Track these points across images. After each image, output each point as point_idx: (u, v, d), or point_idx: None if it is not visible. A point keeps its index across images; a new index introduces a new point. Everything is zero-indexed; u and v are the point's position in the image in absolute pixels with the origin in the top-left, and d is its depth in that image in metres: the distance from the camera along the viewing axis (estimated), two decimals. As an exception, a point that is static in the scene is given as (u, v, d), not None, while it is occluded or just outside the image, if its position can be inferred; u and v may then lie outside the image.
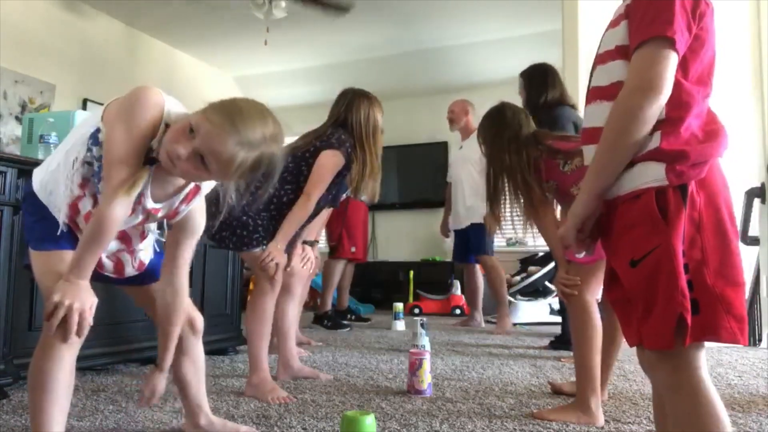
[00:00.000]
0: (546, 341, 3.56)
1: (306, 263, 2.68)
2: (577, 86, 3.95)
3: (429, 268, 6.36)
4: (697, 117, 1.01)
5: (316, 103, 5.32)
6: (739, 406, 2.01)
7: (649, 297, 0.97)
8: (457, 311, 5.54)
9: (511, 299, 4.89)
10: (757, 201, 3.24)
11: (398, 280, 6.22)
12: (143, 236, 1.48)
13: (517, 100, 3.22)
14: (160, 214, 1.38)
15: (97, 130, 1.28)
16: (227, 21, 5.76)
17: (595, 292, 1.90)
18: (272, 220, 2.22)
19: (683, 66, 1.00)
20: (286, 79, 7.17)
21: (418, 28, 5.93)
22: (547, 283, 4.96)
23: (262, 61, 6.83)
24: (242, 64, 6.99)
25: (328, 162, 2.26)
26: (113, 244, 1.41)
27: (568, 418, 1.80)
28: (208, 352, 2.65)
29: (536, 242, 5.41)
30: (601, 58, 1.12)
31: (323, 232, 4.26)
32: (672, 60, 0.97)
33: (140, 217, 1.35)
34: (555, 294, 4.60)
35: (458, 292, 5.67)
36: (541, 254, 5.19)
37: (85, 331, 1.23)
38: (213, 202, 1.92)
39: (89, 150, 1.29)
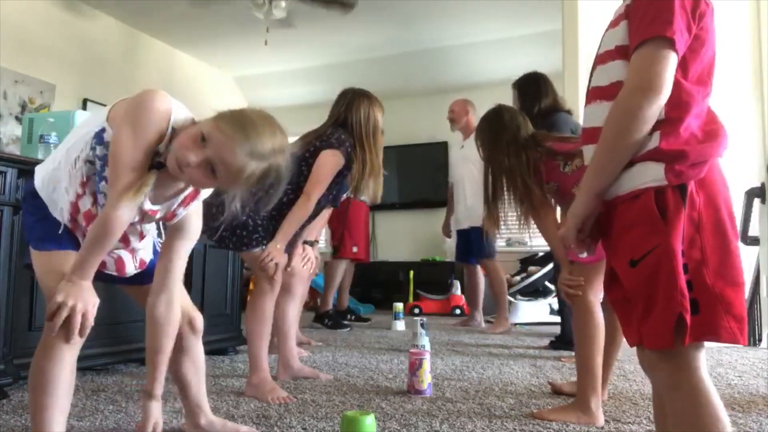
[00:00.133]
0: (546, 341, 3.56)
1: (306, 263, 2.68)
2: (577, 86, 3.96)
3: (429, 268, 6.36)
4: (697, 117, 1.01)
5: (316, 103, 5.33)
6: (739, 406, 2.01)
7: (648, 297, 0.97)
8: (457, 311, 5.54)
9: (511, 299, 4.90)
10: (757, 201, 3.24)
11: (398, 280, 6.22)
12: (142, 236, 1.48)
13: (517, 101, 3.24)
14: (157, 216, 1.38)
15: (102, 130, 1.29)
16: (227, 21, 5.76)
17: (599, 293, 1.90)
18: (272, 220, 2.22)
19: (683, 66, 1.00)
20: (286, 79, 7.17)
21: (418, 28, 5.93)
22: (547, 283, 4.96)
23: (262, 61, 6.83)
24: (242, 64, 6.99)
25: (328, 162, 2.26)
26: None
27: (568, 418, 1.80)
28: (208, 352, 2.66)
29: (532, 242, 5.45)
30: (600, 58, 1.12)
31: (324, 232, 4.26)
32: (671, 60, 0.97)
33: (136, 218, 1.35)
34: (555, 294, 4.60)
35: (458, 292, 5.67)
36: (541, 254, 5.20)
37: (87, 332, 1.24)
38: (215, 205, 1.92)
39: (93, 149, 1.30)
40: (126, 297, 1.65)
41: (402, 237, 7.03)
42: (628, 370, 2.64)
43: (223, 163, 1.21)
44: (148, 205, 1.33)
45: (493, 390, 2.26)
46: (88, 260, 1.24)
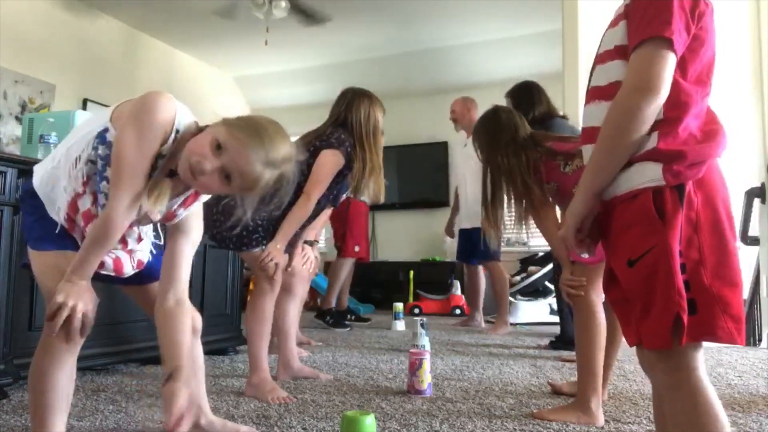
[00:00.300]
0: (546, 341, 3.56)
1: (306, 263, 2.68)
2: (577, 86, 3.96)
3: (429, 268, 6.36)
4: (696, 117, 1.01)
5: (316, 103, 5.33)
6: (739, 406, 2.01)
7: (646, 297, 0.97)
8: (457, 311, 5.54)
9: (511, 299, 4.89)
10: (757, 201, 3.25)
11: (398, 280, 6.22)
12: (140, 239, 1.48)
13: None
14: (156, 217, 1.38)
15: (105, 130, 1.29)
16: (227, 21, 5.76)
17: (600, 293, 1.90)
18: (272, 220, 2.22)
19: (682, 66, 1.00)
20: (286, 79, 7.17)
21: (418, 28, 5.93)
22: (547, 283, 4.96)
23: (262, 61, 6.83)
24: (242, 64, 6.99)
25: (328, 161, 2.26)
26: None
27: (568, 418, 1.81)
28: (208, 352, 2.66)
29: (532, 242, 5.45)
30: (600, 58, 1.12)
31: (324, 232, 4.26)
32: (670, 60, 0.97)
33: (134, 217, 1.35)
34: (554, 294, 4.60)
35: (458, 292, 5.67)
36: (541, 254, 5.20)
37: (88, 332, 1.24)
38: (218, 212, 1.91)
39: (95, 148, 1.29)
40: (126, 297, 1.65)
41: (402, 237, 7.03)
42: (628, 370, 2.64)
43: (240, 172, 1.22)
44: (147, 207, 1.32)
45: (493, 390, 2.26)
46: (87, 260, 1.24)
